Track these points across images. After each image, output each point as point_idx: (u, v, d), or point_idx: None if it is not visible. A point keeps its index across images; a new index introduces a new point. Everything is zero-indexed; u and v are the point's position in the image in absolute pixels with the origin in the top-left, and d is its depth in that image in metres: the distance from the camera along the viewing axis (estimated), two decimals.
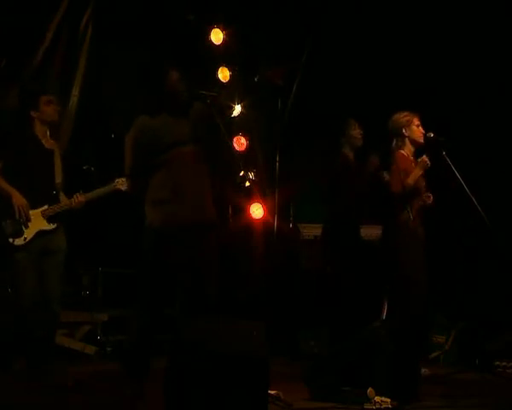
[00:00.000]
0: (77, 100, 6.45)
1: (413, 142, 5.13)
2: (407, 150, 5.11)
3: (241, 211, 6.75)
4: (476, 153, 6.46)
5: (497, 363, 5.40)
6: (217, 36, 6.80)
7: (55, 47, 6.43)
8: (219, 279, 4.28)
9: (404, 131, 5.09)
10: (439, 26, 6.63)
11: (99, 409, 4.08)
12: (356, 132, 5.69)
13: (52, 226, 4.81)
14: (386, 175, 5.29)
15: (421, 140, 5.10)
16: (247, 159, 6.74)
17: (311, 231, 6.72)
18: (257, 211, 6.59)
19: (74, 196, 4.87)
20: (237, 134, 6.79)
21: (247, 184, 6.61)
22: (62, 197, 4.92)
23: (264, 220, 6.53)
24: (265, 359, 3.56)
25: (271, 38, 6.89)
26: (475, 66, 6.62)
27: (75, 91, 6.50)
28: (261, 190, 6.69)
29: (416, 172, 5.01)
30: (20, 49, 6.20)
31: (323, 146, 6.49)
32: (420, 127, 5.11)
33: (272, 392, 3.95)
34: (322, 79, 7.07)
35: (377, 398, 4.03)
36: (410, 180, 4.92)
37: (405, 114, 5.14)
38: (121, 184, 4.83)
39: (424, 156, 5.06)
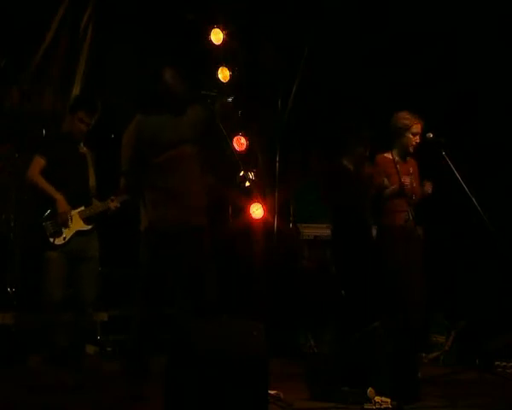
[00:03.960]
0: None
1: (402, 147, 5.17)
2: (394, 152, 5.15)
3: (241, 211, 6.75)
4: (476, 153, 6.46)
5: (497, 363, 5.40)
6: (217, 36, 6.79)
7: (55, 47, 6.44)
8: (219, 279, 4.29)
9: (399, 132, 5.14)
10: (439, 26, 6.63)
11: (99, 409, 4.08)
12: (361, 151, 5.69)
13: (89, 227, 4.97)
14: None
15: (411, 150, 5.15)
16: (247, 159, 6.73)
17: (311, 231, 6.73)
18: (257, 211, 6.59)
19: (109, 200, 5.02)
20: (237, 134, 6.79)
21: (247, 184, 6.61)
22: (94, 201, 5.05)
23: (264, 220, 6.53)
24: (265, 359, 3.56)
25: (271, 37, 6.90)
26: (475, 65, 6.62)
27: (75, 91, 6.51)
28: (261, 190, 6.68)
29: (393, 188, 5.07)
30: (20, 49, 6.20)
31: (323, 146, 6.50)
32: (416, 137, 5.13)
33: (272, 392, 3.95)
34: (322, 79, 7.08)
35: (377, 398, 4.03)
36: (388, 192, 5.02)
37: (408, 117, 5.15)
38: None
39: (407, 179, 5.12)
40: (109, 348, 6.12)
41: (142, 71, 6.17)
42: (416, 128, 5.14)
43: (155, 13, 6.60)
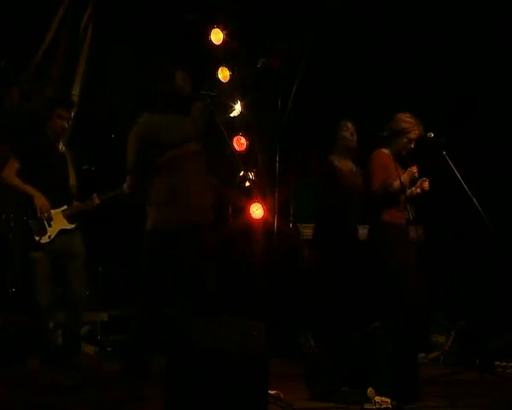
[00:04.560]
0: (77, 100, 6.46)
1: (397, 149, 5.16)
2: (393, 150, 5.14)
3: (241, 211, 6.75)
4: (476, 153, 6.46)
5: (497, 363, 5.40)
6: (217, 36, 6.79)
7: (55, 47, 6.44)
8: (219, 279, 4.29)
9: (397, 134, 5.12)
10: (439, 26, 6.63)
11: (99, 409, 4.07)
12: (347, 133, 5.64)
13: (72, 226, 5.00)
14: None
15: (403, 153, 5.13)
16: (247, 159, 6.73)
17: (311, 231, 6.71)
18: (257, 211, 6.58)
19: (91, 198, 5.07)
20: (237, 134, 6.79)
21: (247, 184, 6.60)
22: (74, 201, 5.10)
23: (264, 220, 6.52)
24: (265, 359, 3.56)
25: (271, 37, 6.89)
26: (475, 65, 6.62)
27: (75, 91, 6.51)
28: (261, 190, 6.68)
29: (404, 178, 5.05)
30: (20, 49, 6.20)
31: (323, 146, 6.50)
32: (412, 143, 5.12)
33: (272, 392, 3.95)
34: (322, 79, 7.08)
35: (377, 398, 4.03)
36: (396, 184, 4.99)
37: (409, 120, 5.14)
38: None
39: (414, 167, 5.09)
40: (109, 348, 6.12)
41: (142, 71, 6.18)
42: (414, 134, 5.13)
43: (155, 13, 6.60)
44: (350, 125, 5.63)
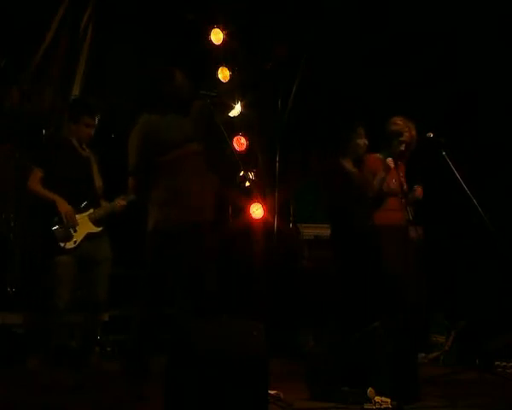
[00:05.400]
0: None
1: (389, 152, 5.16)
2: (383, 154, 5.15)
3: (241, 211, 6.75)
4: (476, 153, 6.46)
5: (497, 363, 5.40)
6: (217, 36, 6.80)
7: (55, 47, 6.44)
8: (219, 279, 4.29)
9: (389, 137, 5.14)
10: (439, 26, 6.64)
11: (99, 409, 4.07)
12: (361, 141, 5.59)
13: (99, 229, 4.98)
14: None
15: (394, 156, 5.14)
16: (247, 159, 6.74)
17: (311, 231, 6.72)
18: (257, 211, 6.59)
19: (116, 200, 5.05)
20: (237, 134, 6.79)
21: (247, 184, 6.61)
22: (103, 202, 5.08)
23: (264, 220, 6.53)
24: (265, 359, 3.56)
25: (271, 37, 6.90)
26: (475, 65, 6.62)
27: (75, 91, 6.51)
28: (261, 190, 6.68)
29: (379, 175, 5.06)
30: (20, 49, 6.21)
31: (323, 146, 6.50)
32: (403, 145, 5.11)
33: (272, 392, 3.95)
34: (322, 79, 7.08)
35: (377, 398, 4.02)
36: (375, 184, 5.00)
37: (400, 123, 5.15)
38: None
39: (389, 159, 5.09)
40: (109, 348, 6.12)
41: (142, 71, 6.18)
42: (405, 137, 5.13)
43: (155, 13, 6.61)
44: (362, 130, 5.59)
